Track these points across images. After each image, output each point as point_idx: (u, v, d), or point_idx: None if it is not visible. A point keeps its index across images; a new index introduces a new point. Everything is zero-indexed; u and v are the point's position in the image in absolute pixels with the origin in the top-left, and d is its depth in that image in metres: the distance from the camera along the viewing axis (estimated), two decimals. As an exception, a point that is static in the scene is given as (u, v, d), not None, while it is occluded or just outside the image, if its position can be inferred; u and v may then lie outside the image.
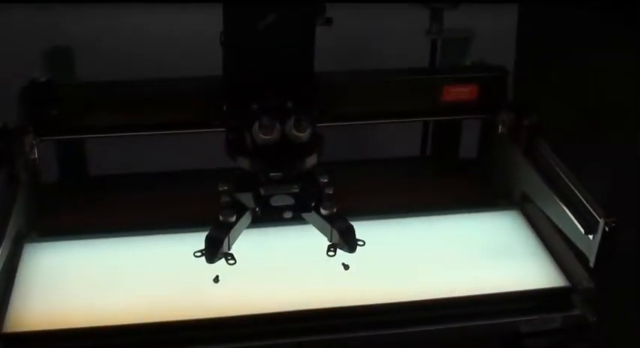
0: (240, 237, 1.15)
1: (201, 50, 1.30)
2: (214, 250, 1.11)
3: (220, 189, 1.17)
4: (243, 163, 1.13)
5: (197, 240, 1.13)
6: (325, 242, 1.15)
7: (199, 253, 1.12)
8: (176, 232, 1.29)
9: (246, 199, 1.16)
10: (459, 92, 1.39)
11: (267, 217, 1.15)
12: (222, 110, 1.19)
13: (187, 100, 1.32)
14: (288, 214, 1.14)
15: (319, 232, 1.17)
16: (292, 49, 1.15)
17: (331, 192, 1.18)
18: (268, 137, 1.10)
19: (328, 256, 1.14)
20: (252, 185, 1.16)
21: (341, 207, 1.14)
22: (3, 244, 1.11)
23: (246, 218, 1.17)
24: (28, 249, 1.26)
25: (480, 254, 1.29)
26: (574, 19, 1.66)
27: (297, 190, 1.15)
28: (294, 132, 1.10)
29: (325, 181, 1.19)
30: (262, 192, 1.15)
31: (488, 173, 1.50)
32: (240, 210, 1.15)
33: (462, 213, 1.39)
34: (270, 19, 1.11)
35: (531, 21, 1.77)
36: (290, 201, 1.15)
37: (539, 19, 1.75)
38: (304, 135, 1.11)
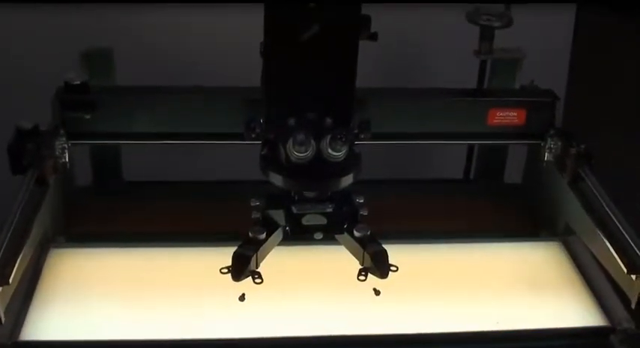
0: (268, 255, 1.11)
1: (240, 58, 1.25)
2: (241, 268, 1.07)
3: (252, 204, 1.12)
4: (276, 179, 1.08)
5: (226, 255, 1.08)
6: (356, 265, 1.10)
7: (226, 270, 1.07)
8: (206, 246, 1.27)
9: (278, 216, 1.12)
10: (506, 116, 1.34)
11: (298, 236, 1.10)
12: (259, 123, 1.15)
13: (225, 110, 1.30)
14: (319, 236, 1.09)
15: (351, 255, 1.11)
16: (334, 64, 1.09)
17: (366, 213, 1.13)
18: (302, 155, 1.04)
19: (359, 280, 1.09)
20: (284, 202, 1.12)
21: (375, 229, 1.10)
22: (26, 246, 1.08)
23: (277, 236, 1.13)
24: (53, 254, 1.23)
25: (518, 286, 1.24)
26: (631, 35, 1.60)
27: (330, 210, 1.11)
28: (330, 150, 1.05)
29: (360, 201, 1.14)
30: (294, 210, 1.10)
31: (533, 201, 1.45)
32: (270, 227, 1.11)
33: (502, 242, 1.34)
34: (313, 32, 1.05)
35: (586, 38, 1.71)
36: (322, 221, 1.10)
37: (595, 36, 1.68)
38: (340, 154, 1.05)
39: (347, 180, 1.08)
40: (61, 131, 1.25)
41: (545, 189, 1.39)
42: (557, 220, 1.36)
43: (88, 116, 1.26)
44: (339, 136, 1.03)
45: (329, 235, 1.10)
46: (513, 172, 1.52)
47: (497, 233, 1.35)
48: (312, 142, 1.05)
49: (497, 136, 1.36)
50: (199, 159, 1.55)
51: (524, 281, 1.25)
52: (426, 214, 1.41)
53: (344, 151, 1.05)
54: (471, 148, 1.60)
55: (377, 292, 1.11)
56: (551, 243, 1.34)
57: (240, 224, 1.12)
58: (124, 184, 1.48)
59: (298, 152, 1.04)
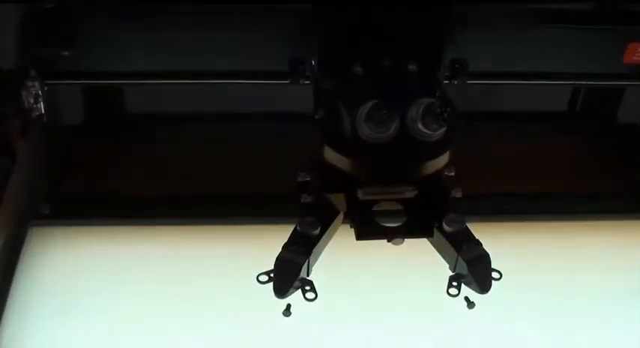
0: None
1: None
2: (288, 279, 0.82)
3: (300, 180, 0.86)
4: (339, 161, 0.81)
5: (261, 237, 0.93)
6: (444, 267, 0.85)
7: (265, 278, 0.82)
8: (232, 223, 1.02)
9: (337, 201, 0.85)
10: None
11: (367, 238, 0.82)
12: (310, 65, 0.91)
13: (253, 40, 1.00)
14: (398, 242, 0.81)
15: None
16: None
17: (459, 195, 0.85)
18: (381, 135, 0.77)
19: (449, 294, 0.83)
20: (345, 182, 0.84)
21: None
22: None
23: (334, 228, 0.86)
24: (33, 235, 0.99)
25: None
26: None
27: (412, 195, 0.83)
28: (421, 127, 0.77)
29: (451, 174, 0.86)
30: (361, 195, 0.83)
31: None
32: (325, 216, 0.85)
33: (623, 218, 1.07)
34: None
35: None
36: (401, 212, 0.82)
37: None
38: (436, 134, 0.78)
39: (440, 161, 0.82)
40: (32, 73, 0.96)
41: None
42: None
43: (67, 53, 0.96)
44: (439, 110, 0.75)
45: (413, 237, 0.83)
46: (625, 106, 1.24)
47: (613, 202, 1.10)
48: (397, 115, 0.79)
49: (633, 76, 1.05)
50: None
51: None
52: (519, 168, 1.14)
53: (442, 131, 0.79)
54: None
55: (470, 304, 0.85)
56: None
57: (274, 171, 0.95)
58: (123, 117, 1.20)
59: (376, 132, 0.78)
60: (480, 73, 1.01)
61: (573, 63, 1.05)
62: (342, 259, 0.91)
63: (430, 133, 0.76)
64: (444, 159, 0.81)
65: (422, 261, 0.90)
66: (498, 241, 0.88)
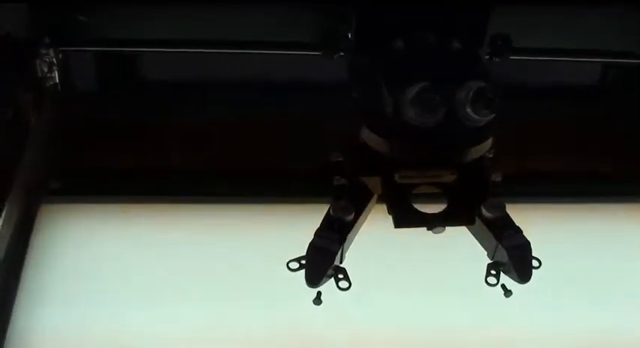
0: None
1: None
2: (321, 267, 0.77)
3: (333, 160, 0.82)
4: (378, 143, 0.76)
5: (292, 218, 0.91)
6: (481, 255, 0.82)
7: (296, 265, 0.78)
8: (253, 202, 0.98)
9: (372, 184, 0.81)
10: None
11: (406, 222, 0.77)
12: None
13: (285, 8, 0.93)
14: (439, 231, 0.77)
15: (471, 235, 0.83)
16: None
17: (500, 179, 0.82)
18: (429, 120, 0.72)
19: (487, 284, 0.80)
20: (382, 164, 0.79)
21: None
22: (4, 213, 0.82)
23: (367, 212, 0.81)
24: (45, 211, 0.94)
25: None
26: None
27: (451, 180, 0.78)
28: (470, 111, 0.72)
29: (490, 156, 0.81)
30: (398, 179, 0.78)
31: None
32: (359, 199, 0.81)
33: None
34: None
35: None
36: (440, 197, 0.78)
37: None
38: (485, 119, 0.73)
39: (485, 146, 0.77)
40: (46, 40, 0.90)
41: None
42: None
43: (83, 18, 0.90)
44: (491, 95, 0.71)
45: (453, 225, 0.78)
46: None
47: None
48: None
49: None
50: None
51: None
52: (541, 146, 1.10)
53: (492, 116, 0.74)
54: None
55: (507, 292, 0.81)
56: None
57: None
58: (141, 84, 1.12)
59: (422, 117, 0.73)
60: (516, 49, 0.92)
61: (604, 41, 0.98)
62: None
63: (479, 118, 0.72)
64: (488, 143, 0.76)
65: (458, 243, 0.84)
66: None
